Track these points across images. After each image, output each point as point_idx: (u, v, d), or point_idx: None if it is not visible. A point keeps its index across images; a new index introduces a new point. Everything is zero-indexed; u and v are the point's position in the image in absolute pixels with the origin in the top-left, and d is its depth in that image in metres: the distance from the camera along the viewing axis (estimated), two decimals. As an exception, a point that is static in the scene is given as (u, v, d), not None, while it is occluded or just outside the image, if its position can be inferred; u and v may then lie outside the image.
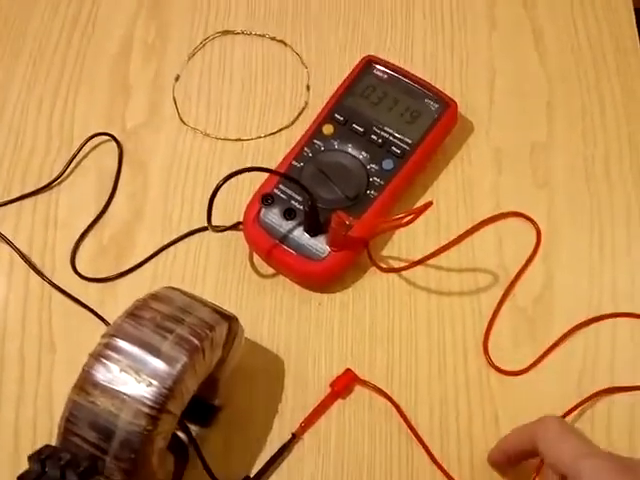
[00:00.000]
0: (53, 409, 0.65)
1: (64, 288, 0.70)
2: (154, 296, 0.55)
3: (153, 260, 0.71)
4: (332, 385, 0.65)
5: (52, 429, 0.63)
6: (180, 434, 0.60)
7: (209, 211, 0.63)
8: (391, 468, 0.62)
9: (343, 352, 0.67)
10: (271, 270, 0.70)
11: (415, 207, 0.61)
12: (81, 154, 0.76)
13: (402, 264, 0.69)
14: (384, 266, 0.69)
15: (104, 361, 0.50)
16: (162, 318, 0.52)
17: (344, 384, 0.65)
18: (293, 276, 0.69)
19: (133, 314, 0.53)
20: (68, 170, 0.75)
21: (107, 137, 0.77)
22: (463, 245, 0.67)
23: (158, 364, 0.50)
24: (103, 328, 0.66)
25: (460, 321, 0.68)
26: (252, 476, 0.61)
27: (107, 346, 0.51)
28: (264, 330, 0.68)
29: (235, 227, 0.71)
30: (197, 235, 0.72)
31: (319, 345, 0.67)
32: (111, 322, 0.62)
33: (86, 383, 0.50)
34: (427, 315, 0.68)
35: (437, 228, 0.71)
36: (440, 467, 0.62)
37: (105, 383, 0.49)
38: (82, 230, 0.72)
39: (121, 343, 0.51)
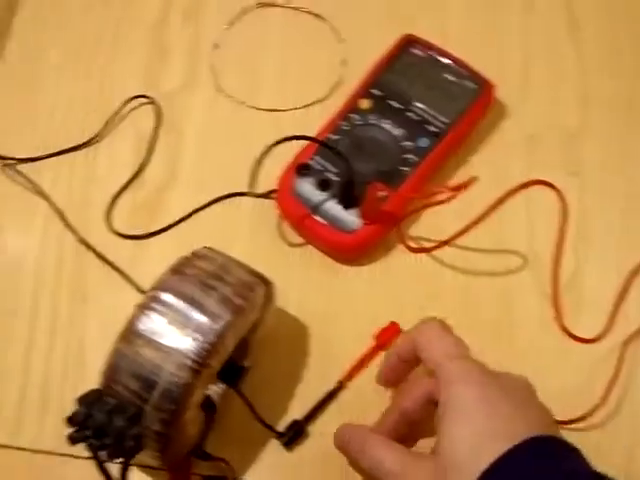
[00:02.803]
0: (86, 361, 0.66)
1: (98, 244, 0.71)
2: (196, 254, 0.56)
3: (184, 223, 0.72)
4: (377, 337, 0.66)
5: (83, 380, 0.64)
6: (210, 393, 0.61)
7: (253, 174, 0.64)
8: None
9: (368, 326, 0.67)
10: (300, 240, 0.71)
11: (456, 182, 0.62)
12: (119, 116, 0.77)
13: (430, 244, 0.69)
14: (413, 245, 0.70)
15: (149, 313, 0.51)
16: (206, 276, 0.54)
17: (388, 336, 0.66)
18: (323, 246, 0.70)
19: (178, 270, 0.54)
20: (106, 130, 0.76)
21: (145, 99, 0.77)
22: (492, 224, 0.67)
23: (202, 319, 0.51)
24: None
25: (487, 303, 0.68)
26: (300, 419, 0.63)
27: (153, 299, 0.52)
28: (291, 298, 0.68)
29: (269, 195, 0.72)
30: (228, 201, 0.73)
31: (345, 317, 0.68)
32: (139, 282, 0.65)
33: (131, 334, 0.51)
34: (454, 296, 0.69)
35: (467, 211, 0.71)
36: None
37: (150, 335, 0.50)
38: (118, 189, 0.73)
39: (167, 297, 0.52)
